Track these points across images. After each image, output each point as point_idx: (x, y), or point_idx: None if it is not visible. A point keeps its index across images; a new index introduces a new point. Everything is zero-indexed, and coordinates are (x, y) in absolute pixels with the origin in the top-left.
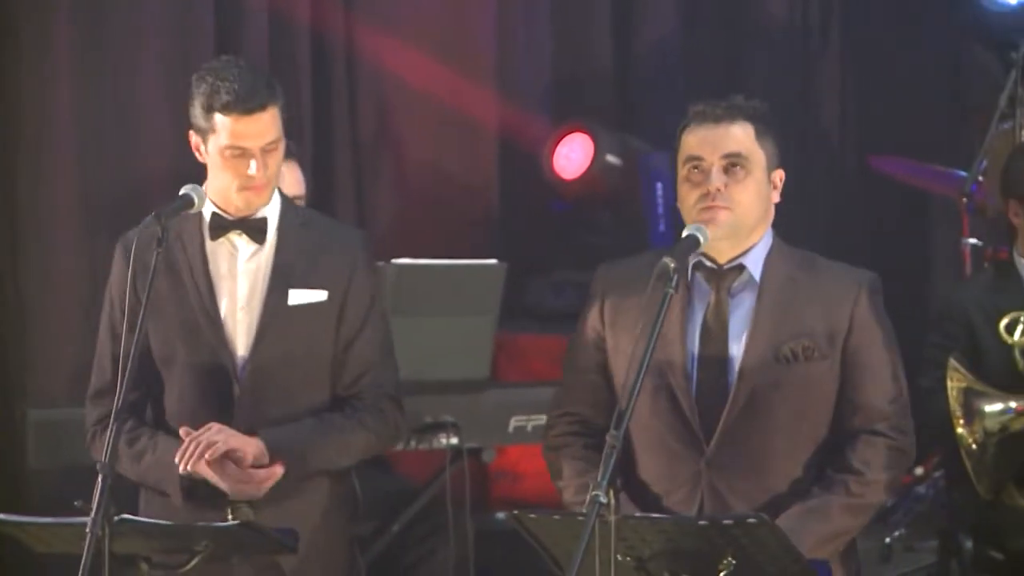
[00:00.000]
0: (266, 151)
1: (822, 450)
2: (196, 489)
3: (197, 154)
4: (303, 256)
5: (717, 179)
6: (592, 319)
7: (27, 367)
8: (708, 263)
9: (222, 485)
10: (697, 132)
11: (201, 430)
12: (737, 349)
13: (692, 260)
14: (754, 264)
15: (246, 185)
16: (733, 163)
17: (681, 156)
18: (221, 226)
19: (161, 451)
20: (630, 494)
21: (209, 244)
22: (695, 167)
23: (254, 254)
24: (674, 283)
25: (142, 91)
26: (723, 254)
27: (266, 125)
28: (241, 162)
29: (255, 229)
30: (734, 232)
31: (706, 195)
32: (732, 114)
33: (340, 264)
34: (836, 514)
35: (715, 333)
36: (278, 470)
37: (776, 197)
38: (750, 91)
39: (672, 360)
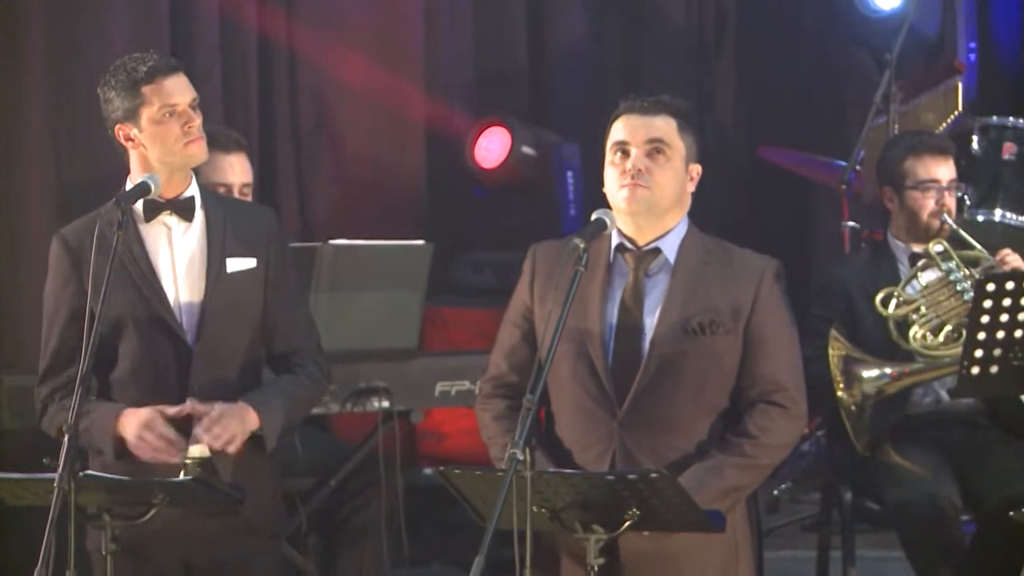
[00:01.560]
0: (192, 108)
1: (723, 416)
2: (126, 451)
3: (129, 144)
4: (229, 229)
5: (639, 160)
6: (522, 293)
7: (2, 339)
8: (629, 245)
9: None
10: (625, 121)
11: (215, 416)
12: (650, 322)
13: (615, 242)
14: (670, 248)
15: (191, 138)
16: (656, 148)
17: (609, 143)
18: (154, 208)
19: (97, 415)
20: (549, 450)
21: (142, 227)
22: (621, 150)
23: (186, 231)
24: (584, 262)
25: None
26: (642, 236)
27: (186, 84)
28: (178, 120)
29: (184, 208)
30: (649, 209)
31: (627, 173)
32: (658, 107)
33: (260, 234)
34: (730, 472)
35: (631, 308)
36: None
37: (691, 187)
38: (652, 89)
39: (591, 330)
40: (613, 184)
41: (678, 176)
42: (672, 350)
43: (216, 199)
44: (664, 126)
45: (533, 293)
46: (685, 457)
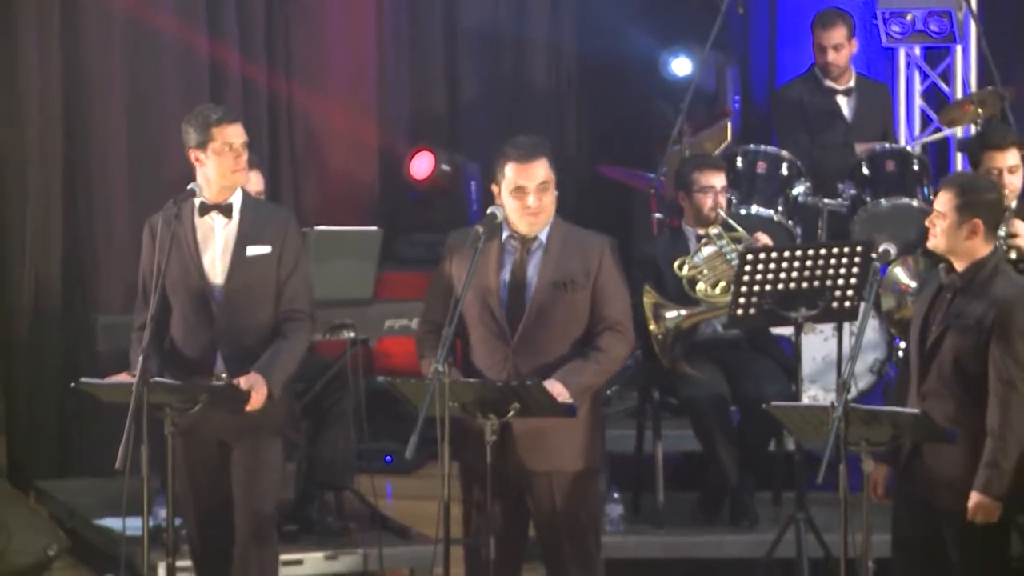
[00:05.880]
0: (243, 147)
1: (581, 341)
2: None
3: (197, 164)
4: (255, 226)
5: (535, 200)
6: (446, 264)
7: (96, 287)
8: (515, 236)
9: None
10: (518, 169)
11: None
12: (532, 282)
13: (505, 234)
14: (542, 235)
15: (237, 168)
16: (544, 188)
17: (506, 181)
18: (205, 208)
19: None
20: (467, 370)
21: (197, 219)
22: (520, 191)
23: (225, 226)
24: (481, 242)
25: (166, 127)
26: (528, 233)
27: (241, 130)
28: (232, 154)
29: (225, 210)
30: (542, 228)
31: (528, 209)
32: (537, 153)
33: (277, 229)
34: (586, 374)
35: (518, 273)
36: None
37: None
38: (522, 127)
39: (491, 288)
40: (516, 213)
41: (553, 196)
42: (546, 300)
43: (254, 204)
44: (544, 170)
45: (451, 264)
46: (555, 370)
